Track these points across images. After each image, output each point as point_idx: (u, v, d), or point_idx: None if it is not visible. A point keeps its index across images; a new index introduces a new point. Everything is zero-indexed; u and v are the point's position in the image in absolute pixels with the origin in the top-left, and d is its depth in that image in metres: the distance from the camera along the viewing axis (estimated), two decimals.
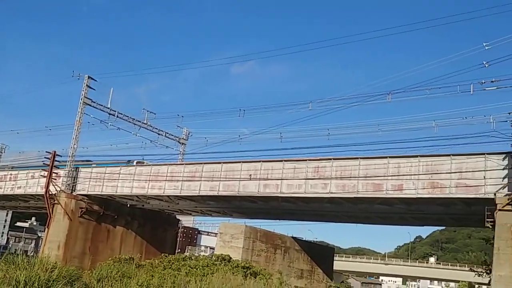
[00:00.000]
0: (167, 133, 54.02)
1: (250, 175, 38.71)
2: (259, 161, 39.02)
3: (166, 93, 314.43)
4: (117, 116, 49.77)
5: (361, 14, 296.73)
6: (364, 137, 39.63)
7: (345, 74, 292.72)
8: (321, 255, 53.10)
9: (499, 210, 27.44)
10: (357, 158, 34.55)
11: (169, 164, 44.73)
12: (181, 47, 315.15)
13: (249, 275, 31.55)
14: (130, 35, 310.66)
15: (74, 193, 47.65)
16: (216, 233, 57.45)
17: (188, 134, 55.61)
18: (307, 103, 39.30)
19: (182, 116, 52.08)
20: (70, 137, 47.48)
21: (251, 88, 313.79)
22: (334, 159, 35.54)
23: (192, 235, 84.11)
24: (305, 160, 36.87)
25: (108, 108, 49.41)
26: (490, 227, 28.23)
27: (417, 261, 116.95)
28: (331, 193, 34.89)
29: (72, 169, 48.18)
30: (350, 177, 34.27)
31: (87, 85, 48.33)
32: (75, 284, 25.61)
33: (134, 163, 46.19)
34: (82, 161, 51.34)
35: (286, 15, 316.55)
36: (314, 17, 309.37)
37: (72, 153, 47.56)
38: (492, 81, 30.87)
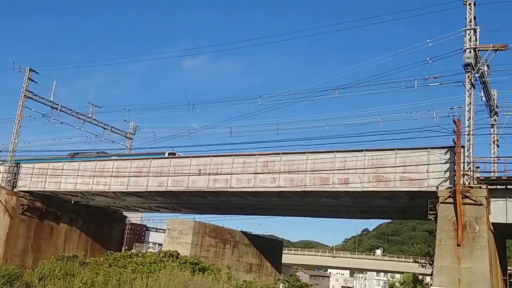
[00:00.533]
0: (113, 127, 52.84)
1: (200, 170, 38.44)
2: (209, 156, 38.82)
3: (114, 87, 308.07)
4: (60, 110, 48.34)
5: (311, 9, 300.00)
6: (312, 132, 40.26)
7: (297, 69, 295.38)
8: (269, 248, 53.40)
9: (441, 202, 28.24)
10: (304, 153, 34.92)
11: (115, 159, 43.73)
12: (129, 40, 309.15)
13: (197, 270, 31.25)
14: (77, 29, 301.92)
15: (15, 190, 46.07)
16: (164, 230, 56.69)
17: (135, 128, 54.62)
18: (257, 98, 39.49)
19: (129, 110, 51.23)
20: (10, 132, 45.88)
21: (202, 82, 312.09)
22: (282, 153, 35.80)
23: (140, 232, 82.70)
24: (255, 154, 36.96)
25: (51, 101, 47.89)
26: (433, 219, 28.99)
27: (364, 253, 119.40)
28: (280, 187, 35.12)
29: (13, 165, 46.45)
30: (298, 171, 34.59)
31: (28, 77, 46.77)
32: (15, 283, 24.67)
33: (166, 154, 42.25)
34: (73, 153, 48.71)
35: (238, 9, 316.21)
36: (265, 11, 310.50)
37: (13, 148, 45.89)
38: (435, 77, 31.83)
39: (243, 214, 51.22)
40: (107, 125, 52.22)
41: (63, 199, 48.51)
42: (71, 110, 49.43)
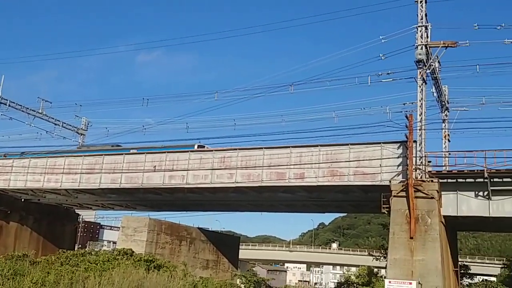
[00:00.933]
0: (64, 123, 51.32)
1: (155, 166, 37.90)
2: (164, 152, 38.29)
3: (67, 82, 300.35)
4: (9, 105, 46.62)
5: (266, 5, 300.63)
6: (269, 127, 40.31)
7: (252, 64, 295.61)
8: (227, 244, 53.28)
9: (394, 196, 28.77)
10: (261, 148, 34.95)
11: (67, 156, 42.57)
12: (81, 34, 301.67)
13: (152, 268, 30.85)
14: (27, 23, 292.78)
15: None
16: (119, 227, 55.75)
17: (88, 124, 53.23)
18: (213, 93, 39.18)
19: (81, 105, 49.82)
20: None
21: (157, 77, 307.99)
22: (239, 149, 35.71)
23: (94, 230, 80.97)
24: (211, 150, 36.72)
25: None
26: (386, 212, 29.48)
27: (320, 247, 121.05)
28: (237, 182, 35.06)
29: None
30: (255, 166, 34.62)
31: None
32: None
33: (195, 147, 38.60)
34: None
35: (193, 5, 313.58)
36: (221, 7, 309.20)
37: None
38: (388, 73, 32.32)
39: (201, 211, 50.96)
40: (58, 120, 50.70)
41: (13, 197, 46.95)
42: (21, 105, 47.79)
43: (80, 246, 63.18)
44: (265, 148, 34.80)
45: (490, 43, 32.88)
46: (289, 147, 33.89)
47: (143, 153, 39.14)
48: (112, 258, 32.04)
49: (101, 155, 40.48)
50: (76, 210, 56.23)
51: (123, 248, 35.03)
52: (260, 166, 34.44)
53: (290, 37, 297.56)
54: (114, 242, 65.33)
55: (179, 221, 48.43)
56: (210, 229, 56.33)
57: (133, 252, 34.51)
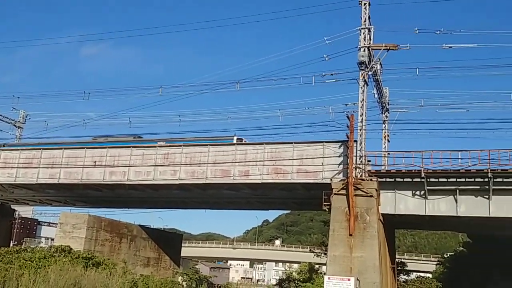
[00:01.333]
0: (1, 115, 49.29)
1: (95, 161, 37.08)
2: (105, 147, 37.50)
3: (4, 74, 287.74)
4: None
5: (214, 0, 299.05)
6: (215, 124, 40.21)
7: (199, 60, 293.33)
8: (168, 242, 52.72)
9: (335, 194, 29.35)
10: (206, 145, 34.78)
11: (2, 150, 40.88)
12: (20, 24, 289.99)
13: (91, 265, 30.13)
14: None
15: None
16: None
17: (26, 117, 51.26)
18: (158, 87, 38.72)
19: (18, 97, 48.02)
20: None
21: (102, 71, 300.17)
22: (184, 145, 35.37)
23: (31, 227, 78.15)
24: (155, 146, 36.22)
25: None
26: (327, 210, 30.00)
27: (264, 244, 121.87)
28: (181, 179, 34.82)
29: None
30: (200, 163, 34.48)
31: None
32: None
33: (234, 140, 35.13)
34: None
35: None
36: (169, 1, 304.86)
37: None
38: (331, 74, 32.94)
39: (143, 208, 50.15)
40: None
41: None
42: None
43: (15, 243, 60.99)
44: (210, 145, 34.69)
45: (429, 47, 34.17)
46: (234, 144, 33.94)
47: (83, 148, 38.20)
48: (48, 255, 31.03)
49: (39, 149, 39.22)
50: (12, 205, 54.11)
51: (61, 245, 33.99)
52: (204, 163, 34.33)
53: (238, 33, 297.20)
54: (52, 239, 63.53)
55: (120, 218, 47.55)
56: (152, 227, 55.65)
57: (71, 249, 33.55)
